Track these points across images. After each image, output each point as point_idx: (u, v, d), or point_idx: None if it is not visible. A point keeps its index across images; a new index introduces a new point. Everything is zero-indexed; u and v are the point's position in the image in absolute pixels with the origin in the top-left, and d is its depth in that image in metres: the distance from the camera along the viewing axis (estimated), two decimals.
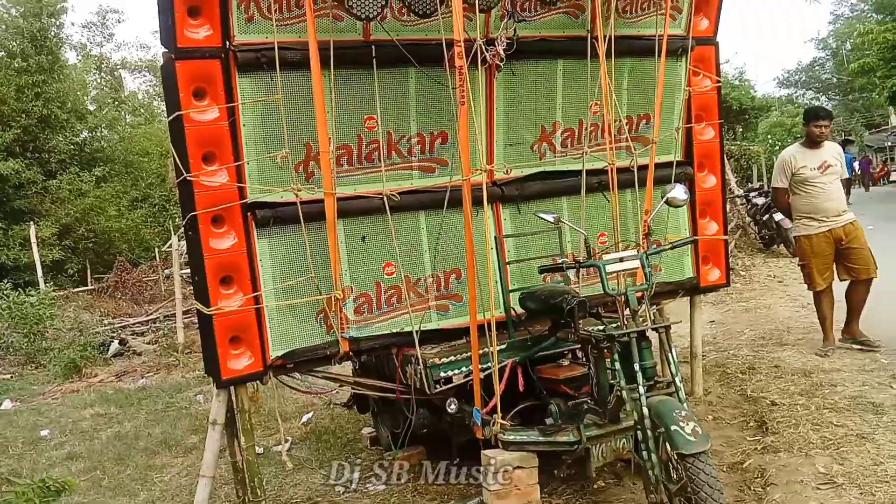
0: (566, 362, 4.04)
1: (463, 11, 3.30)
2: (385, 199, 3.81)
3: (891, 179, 30.94)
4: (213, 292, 3.56)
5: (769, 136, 30.23)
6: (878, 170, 32.51)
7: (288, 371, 3.93)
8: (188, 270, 9.25)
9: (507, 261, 4.24)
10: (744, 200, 13.47)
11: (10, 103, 18.07)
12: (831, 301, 5.74)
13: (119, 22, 31.69)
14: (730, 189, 12.54)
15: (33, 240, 14.31)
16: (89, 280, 17.25)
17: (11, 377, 9.54)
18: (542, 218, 3.90)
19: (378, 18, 3.49)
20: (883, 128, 36.73)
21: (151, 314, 12.86)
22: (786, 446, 3.97)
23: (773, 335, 6.55)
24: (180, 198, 3.68)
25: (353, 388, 4.64)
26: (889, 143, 35.68)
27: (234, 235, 3.60)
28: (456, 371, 3.86)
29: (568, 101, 4.36)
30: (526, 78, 4.21)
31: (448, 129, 4.02)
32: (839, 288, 5.73)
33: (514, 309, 4.17)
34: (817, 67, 46.43)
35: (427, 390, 3.85)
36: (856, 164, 25.93)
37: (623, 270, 3.47)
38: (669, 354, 3.31)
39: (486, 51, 3.69)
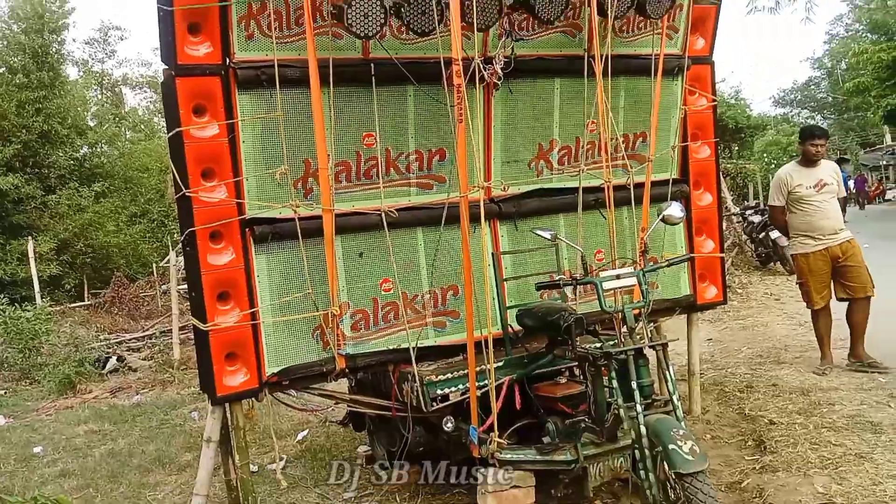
0: (563, 380, 4.03)
1: (461, 30, 3.33)
2: (383, 215, 3.82)
3: (886, 198, 31.08)
4: (210, 308, 3.55)
5: (765, 155, 30.31)
6: (873, 188, 32.65)
7: (284, 388, 3.91)
8: (185, 286, 9.24)
9: (504, 277, 4.24)
10: (740, 218, 13.52)
11: (10, 119, 18.12)
12: (829, 319, 5.74)
13: (121, 39, 31.77)
14: (726, 207, 12.60)
15: (31, 255, 14.28)
16: (86, 295, 17.20)
17: (5, 393, 9.49)
18: (539, 235, 3.91)
19: (377, 37, 3.52)
20: (878, 147, 36.92)
21: (148, 330, 12.81)
22: (784, 466, 3.95)
23: (770, 353, 6.54)
24: (179, 213, 3.69)
25: (349, 406, 4.62)
26: (884, 162, 35.86)
27: (232, 251, 3.60)
28: (453, 388, 3.85)
29: (565, 119, 4.38)
30: (523, 96, 4.24)
31: (446, 147, 4.04)
32: (839, 306, 5.72)
33: (511, 326, 4.16)
34: (813, 86, 46.76)
35: (424, 408, 3.84)
36: (851, 183, 26.06)
37: (620, 288, 3.47)
38: (667, 372, 3.31)
39: (484, 69, 3.72)
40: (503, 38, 3.94)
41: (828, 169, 5.76)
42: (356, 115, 3.83)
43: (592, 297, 4.06)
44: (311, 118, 3.56)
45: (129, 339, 12.17)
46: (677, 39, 4.56)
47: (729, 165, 21.08)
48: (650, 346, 3.32)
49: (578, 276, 3.58)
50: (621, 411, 3.24)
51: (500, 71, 3.86)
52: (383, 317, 4.01)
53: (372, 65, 3.76)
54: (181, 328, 10.22)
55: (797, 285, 6.03)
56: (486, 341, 3.51)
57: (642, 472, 3.11)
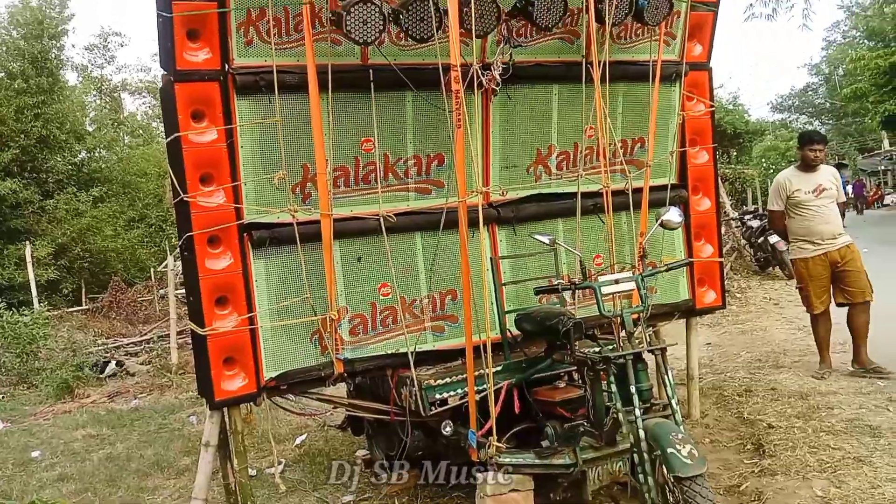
0: (562, 384, 4.03)
1: (460, 37, 3.34)
2: (381, 220, 3.82)
3: (884, 203, 31.15)
4: (208, 313, 3.56)
5: (763, 160, 30.42)
6: (871, 193, 32.73)
7: (282, 392, 3.91)
8: (183, 291, 9.23)
9: (502, 282, 4.25)
10: (739, 223, 13.54)
11: (9, 124, 18.13)
12: (828, 324, 5.75)
13: (121, 46, 31.76)
14: (725, 212, 12.62)
15: (29, 259, 14.28)
16: (84, 300, 17.19)
17: (3, 398, 9.46)
18: (537, 240, 3.92)
19: (376, 43, 3.53)
20: (876, 152, 37.05)
21: (146, 334, 12.80)
22: (783, 469, 3.96)
23: (769, 357, 6.55)
24: (177, 218, 3.69)
25: (347, 410, 4.62)
26: (882, 167, 35.97)
27: (230, 256, 3.60)
28: (451, 393, 3.85)
29: (563, 124, 4.39)
30: (522, 102, 4.25)
31: (444, 152, 4.05)
32: (838, 311, 5.72)
33: (509, 330, 4.16)
34: (810, 92, 46.91)
35: (422, 412, 3.84)
36: (849, 188, 26.12)
37: (618, 292, 3.48)
38: (666, 377, 3.31)
39: (483, 75, 3.73)
40: (501, 45, 3.95)
41: (827, 174, 5.77)
42: (355, 120, 3.83)
43: (591, 301, 4.06)
44: (309, 123, 3.57)
45: (127, 344, 12.15)
46: (675, 46, 4.58)
47: (727, 170, 21.14)
48: (649, 351, 3.33)
49: (577, 280, 3.59)
50: (620, 415, 3.25)
51: (498, 77, 3.87)
52: (382, 321, 4.02)
53: (370, 71, 3.77)
54: (179, 333, 10.21)
55: (797, 290, 6.03)
56: (485, 346, 3.51)
57: (641, 476, 3.11)
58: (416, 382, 3.83)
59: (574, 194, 4.20)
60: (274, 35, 3.55)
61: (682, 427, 3.14)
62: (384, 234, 3.82)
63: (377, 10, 3.39)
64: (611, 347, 3.44)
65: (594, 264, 4.48)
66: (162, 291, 15.33)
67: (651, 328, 4.69)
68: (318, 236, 3.68)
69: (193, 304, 3.63)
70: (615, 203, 4.07)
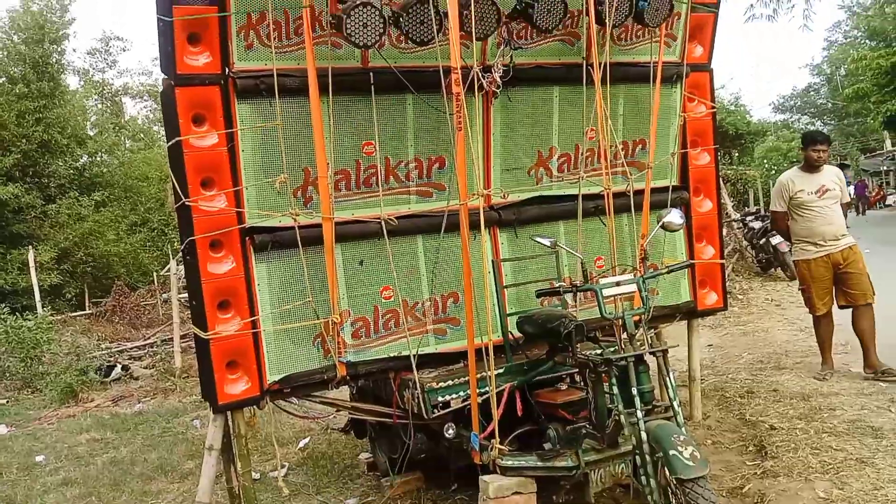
0: (564, 387, 4.03)
1: (460, 39, 3.35)
2: (383, 223, 3.83)
3: (887, 203, 31.10)
4: (211, 317, 3.56)
5: (765, 161, 30.38)
6: (874, 194, 32.69)
7: (285, 396, 3.92)
8: (186, 295, 9.24)
9: (504, 285, 4.25)
10: (741, 224, 13.53)
11: (10, 128, 18.16)
12: (831, 325, 5.73)
13: (124, 51, 31.77)
14: (726, 213, 12.61)
15: (31, 264, 14.30)
16: (87, 304, 17.20)
17: (7, 402, 9.49)
18: (539, 242, 3.92)
19: (376, 46, 3.54)
20: (878, 152, 37.00)
21: (149, 338, 12.82)
22: (785, 471, 3.95)
23: (771, 359, 6.55)
24: (179, 222, 3.70)
25: (350, 413, 4.63)
26: (884, 168, 35.92)
27: (233, 260, 3.61)
28: (454, 395, 3.85)
29: (564, 126, 4.40)
30: (522, 104, 4.25)
31: (445, 155, 4.06)
32: (841, 312, 5.70)
33: (511, 333, 4.17)
34: (812, 93, 46.87)
35: (425, 415, 3.84)
36: (851, 188, 26.07)
37: (620, 294, 3.48)
38: (667, 378, 3.31)
39: (483, 78, 3.73)
40: (502, 47, 3.95)
41: (830, 174, 5.73)
42: (355, 123, 3.84)
43: (593, 303, 4.07)
44: (310, 127, 3.58)
45: (131, 348, 12.17)
46: (676, 47, 4.58)
47: (729, 171, 21.11)
48: (650, 353, 3.32)
49: (578, 282, 3.59)
50: (622, 417, 3.25)
51: (498, 79, 3.87)
52: (384, 324, 4.02)
53: (371, 74, 3.78)
54: (182, 336, 10.23)
55: (799, 291, 6.01)
56: (487, 348, 3.52)
57: (643, 478, 3.11)
58: (418, 385, 3.83)
59: (575, 196, 4.21)
60: (274, 39, 3.56)
61: (683, 429, 3.14)
62: (386, 237, 3.82)
63: (377, 13, 3.40)
64: (612, 349, 3.44)
65: (595, 266, 4.47)
66: (165, 295, 15.34)
67: (652, 330, 4.68)
68: (319, 240, 3.69)
69: (196, 308, 3.64)
70: (616, 205, 4.07)
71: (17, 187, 17.69)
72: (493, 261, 4.23)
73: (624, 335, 3.35)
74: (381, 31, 3.44)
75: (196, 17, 3.40)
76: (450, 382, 3.87)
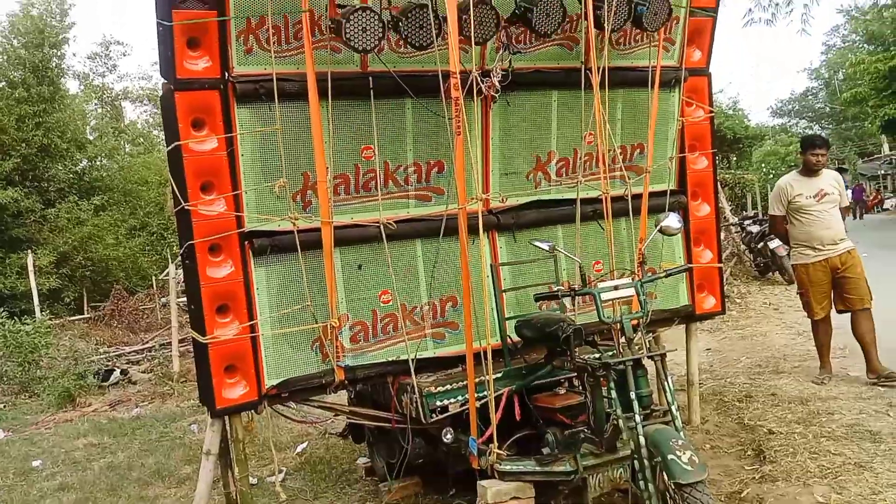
0: (562, 391, 4.04)
1: (459, 44, 3.36)
2: (382, 227, 3.83)
3: (884, 207, 31.15)
4: (209, 321, 3.56)
5: (763, 165, 30.43)
6: (871, 198, 32.75)
7: (283, 400, 3.91)
8: (185, 299, 9.23)
9: (502, 289, 4.26)
10: (738, 228, 13.55)
11: (10, 133, 18.17)
12: (829, 329, 5.73)
13: (124, 55, 31.76)
14: (724, 217, 12.62)
15: (30, 268, 14.29)
16: (86, 308, 17.19)
17: (4, 406, 9.47)
18: (537, 246, 3.93)
19: (375, 50, 3.55)
20: (876, 156, 37.07)
21: (147, 343, 12.81)
22: (784, 475, 3.95)
23: (769, 363, 6.55)
24: (178, 227, 3.70)
25: (348, 418, 4.62)
26: (882, 172, 35.98)
27: (231, 264, 3.61)
28: (452, 400, 3.85)
29: (563, 131, 4.41)
30: (521, 108, 4.26)
31: (444, 159, 4.06)
32: (840, 316, 5.70)
33: (510, 337, 4.17)
34: (810, 97, 46.98)
35: (423, 419, 3.84)
36: (848, 192, 26.10)
37: (618, 298, 3.48)
38: (666, 383, 3.31)
39: (482, 82, 3.74)
40: (501, 52, 3.97)
41: (829, 178, 5.72)
42: (355, 127, 3.85)
43: (591, 307, 4.07)
44: (309, 131, 3.58)
45: (129, 352, 12.16)
46: (674, 51, 4.59)
47: (727, 176, 21.15)
48: (649, 357, 3.32)
49: (577, 286, 3.59)
50: (620, 422, 3.25)
51: (497, 84, 3.89)
52: (382, 328, 4.02)
53: (370, 78, 3.78)
54: (181, 341, 10.22)
55: (797, 295, 6.02)
56: (485, 352, 3.52)
57: (642, 483, 3.11)
58: (416, 389, 3.83)
59: (573, 200, 4.21)
60: (274, 43, 3.57)
61: (682, 433, 3.14)
62: (384, 241, 3.83)
63: (376, 17, 3.41)
64: (611, 353, 3.44)
65: (594, 270, 4.48)
66: (163, 300, 15.33)
67: (651, 334, 4.71)
68: (318, 244, 3.69)
69: (195, 313, 3.63)
70: (615, 209, 4.08)
71: (16, 191, 17.69)
72: (491, 265, 4.24)
73: (622, 339, 3.35)
74: (381, 35, 3.45)
75: (196, 22, 3.40)
76: (448, 387, 3.87)
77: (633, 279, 3.52)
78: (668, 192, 4.62)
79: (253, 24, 3.53)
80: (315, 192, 3.73)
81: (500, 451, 3.58)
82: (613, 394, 3.27)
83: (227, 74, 3.54)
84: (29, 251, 15.52)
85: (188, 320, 4.03)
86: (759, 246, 12.06)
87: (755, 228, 12.47)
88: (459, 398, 3.84)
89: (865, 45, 28.65)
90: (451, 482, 4.32)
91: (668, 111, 4.64)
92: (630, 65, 4.45)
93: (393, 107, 3.93)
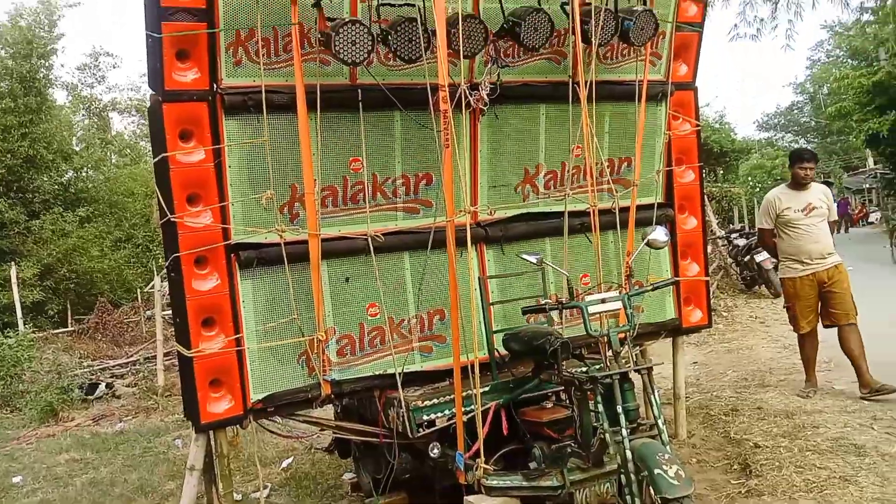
0: (550, 404, 4.02)
1: (448, 57, 3.37)
2: (369, 240, 3.82)
3: (869, 221, 31.45)
4: (195, 334, 3.53)
5: (750, 178, 30.65)
6: (857, 211, 33.06)
7: (268, 415, 3.88)
8: (170, 312, 9.15)
9: (490, 302, 4.25)
10: (725, 242, 13.63)
11: None
12: (815, 343, 5.75)
13: (114, 67, 31.58)
14: (711, 230, 12.71)
15: (14, 280, 14.14)
16: (70, 321, 17.00)
17: None
18: (525, 259, 3.93)
19: (364, 63, 3.55)
20: (861, 170, 37.45)
21: (132, 356, 12.68)
22: (769, 489, 3.95)
23: (755, 376, 6.57)
24: (164, 239, 3.68)
25: (334, 432, 4.59)
26: (867, 185, 36.34)
27: (217, 277, 3.58)
28: (439, 414, 3.83)
29: (551, 144, 4.42)
30: (509, 121, 4.28)
31: (433, 171, 4.07)
32: (826, 330, 5.73)
33: (497, 350, 4.15)
34: (796, 111, 47.46)
35: (410, 434, 3.81)
36: (834, 206, 26.32)
37: (605, 311, 3.48)
38: (652, 396, 3.31)
39: (471, 95, 3.76)
40: (489, 65, 3.98)
41: (817, 192, 5.74)
42: (343, 140, 3.85)
43: (578, 321, 4.07)
44: (297, 143, 3.58)
45: (113, 366, 12.03)
46: (660, 66, 4.63)
47: (714, 189, 21.29)
48: (635, 370, 3.32)
49: (564, 300, 3.59)
50: (607, 436, 3.24)
51: (486, 97, 3.90)
52: (369, 342, 4.00)
53: (359, 90, 3.79)
54: (166, 354, 10.13)
55: (784, 309, 6.04)
56: (473, 366, 3.50)
57: (628, 497, 3.09)
58: (403, 404, 3.81)
59: (561, 213, 4.22)
60: (263, 55, 3.57)
61: (668, 447, 3.13)
62: (372, 253, 3.81)
63: (366, 30, 3.42)
64: (598, 367, 3.43)
65: (581, 283, 4.48)
66: (148, 312, 15.19)
67: (638, 347, 4.70)
68: (305, 256, 3.67)
69: (180, 326, 3.60)
70: (602, 222, 4.09)
71: (0, 202, 17.53)
72: (479, 278, 4.23)
73: (609, 352, 3.35)
74: (370, 48, 3.45)
75: (185, 34, 3.40)
76: (435, 401, 3.85)
77: (620, 292, 3.52)
78: (656, 205, 4.64)
79: (242, 36, 3.53)
80: (302, 204, 3.71)
81: (487, 466, 3.56)
82: (600, 407, 3.27)
83: (215, 86, 3.54)
84: (12, 263, 15.36)
85: (173, 333, 3.99)
86: (745, 259, 12.14)
87: (742, 242, 12.55)
88: (446, 412, 3.82)
89: (849, 60, 29.03)
90: (437, 497, 4.28)
91: (655, 125, 4.67)
92: (617, 79, 4.48)
93: (381, 119, 3.93)
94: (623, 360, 3.31)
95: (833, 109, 24.85)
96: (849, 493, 3.73)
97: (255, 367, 3.70)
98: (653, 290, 3.81)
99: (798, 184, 5.74)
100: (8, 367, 10.24)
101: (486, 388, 3.86)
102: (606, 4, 3.85)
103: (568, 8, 3.80)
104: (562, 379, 3.62)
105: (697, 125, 4.90)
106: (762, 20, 10.90)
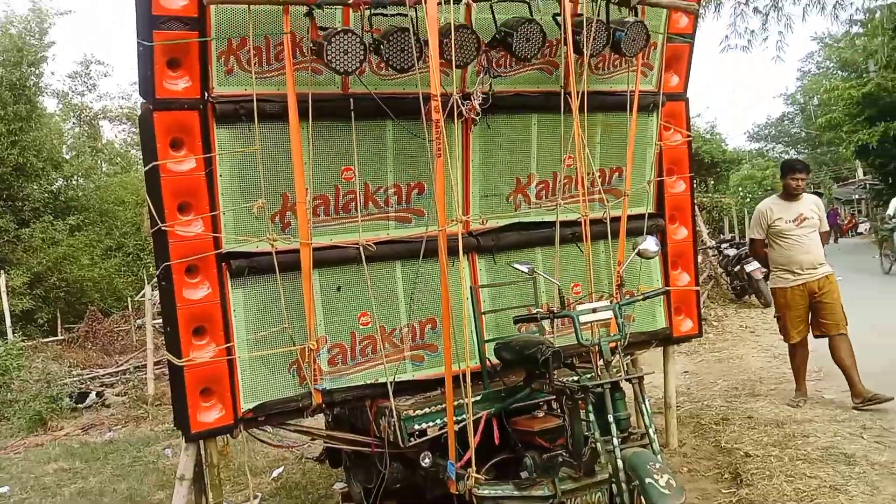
0: (541, 414, 4.02)
1: (440, 67, 3.38)
2: (361, 249, 3.82)
3: (858, 231, 31.65)
4: (185, 343, 3.52)
5: (740, 189, 30.85)
6: (846, 222, 33.26)
7: (259, 424, 3.86)
8: (160, 320, 9.11)
9: (482, 311, 4.25)
10: (716, 252, 13.68)
11: None
12: (805, 353, 5.77)
13: (106, 76, 31.39)
14: (702, 240, 12.75)
15: (3, 289, 14.03)
16: (59, 330, 16.89)
17: None
18: (517, 269, 3.93)
19: (356, 72, 3.56)
20: (850, 181, 37.69)
21: (122, 365, 12.60)
22: (760, 499, 3.96)
23: (745, 386, 6.58)
24: (154, 247, 3.67)
25: (325, 442, 4.57)
26: (856, 196, 36.58)
27: (208, 286, 3.57)
28: (430, 423, 3.82)
29: (542, 153, 4.44)
30: (501, 131, 4.29)
31: (425, 181, 4.07)
32: (817, 339, 5.75)
33: (489, 360, 4.15)
34: (786, 122, 47.79)
35: (401, 443, 3.80)
36: (825, 216, 26.47)
37: (596, 321, 3.49)
38: (643, 405, 3.31)
39: (463, 105, 3.77)
40: (481, 75, 4.00)
41: (809, 203, 5.76)
42: (335, 149, 3.85)
43: (570, 330, 4.07)
44: (289, 152, 3.57)
45: (103, 375, 11.95)
46: (652, 77, 4.66)
47: (705, 199, 21.39)
48: (627, 380, 3.32)
49: (556, 309, 3.59)
50: (598, 445, 3.24)
51: (478, 107, 3.91)
52: (361, 351, 3.99)
53: (351, 100, 3.79)
54: (156, 363, 10.06)
55: (775, 319, 6.06)
56: (464, 375, 3.50)
57: None
58: (395, 413, 3.80)
59: (553, 223, 4.24)
60: (254, 64, 3.57)
61: (659, 456, 3.13)
62: (364, 262, 3.81)
63: (358, 40, 3.42)
64: (589, 376, 3.43)
65: (573, 293, 4.49)
66: (139, 321, 15.12)
67: (629, 357, 4.71)
68: (297, 265, 3.66)
69: (170, 335, 3.59)
70: (593, 232, 4.10)
71: None
72: (471, 287, 4.23)
73: (600, 362, 3.36)
74: (362, 57, 3.46)
75: (176, 43, 3.40)
76: (426, 410, 3.85)
77: (611, 302, 3.53)
78: (647, 215, 4.66)
79: (234, 45, 3.53)
80: (294, 212, 3.71)
81: (479, 476, 3.55)
82: (592, 417, 3.27)
83: (206, 95, 3.54)
84: (1, 272, 15.24)
85: (164, 342, 3.96)
86: (735, 269, 12.18)
87: (732, 252, 12.60)
88: (438, 421, 3.81)
89: (839, 71, 29.30)
90: None
91: (647, 135, 4.70)
92: (609, 89, 4.50)
93: (373, 128, 3.94)
94: (614, 370, 3.32)
95: (823, 120, 25.08)
96: (838, 502, 3.74)
97: (246, 377, 3.69)
98: (643, 299, 3.82)
99: (790, 194, 5.77)
100: None
101: (478, 398, 3.86)
102: (598, 16, 3.88)
103: (560, 19, 3.82)
104: (553, 388, 3.62)
105: (688, 136, 4.93)
106: (753, 32, 11.01)
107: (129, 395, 10.14)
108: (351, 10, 3.54)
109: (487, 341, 4.18)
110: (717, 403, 6.05)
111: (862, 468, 4.14)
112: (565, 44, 3.88)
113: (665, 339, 5.00)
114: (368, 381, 3.98)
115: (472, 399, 3.57)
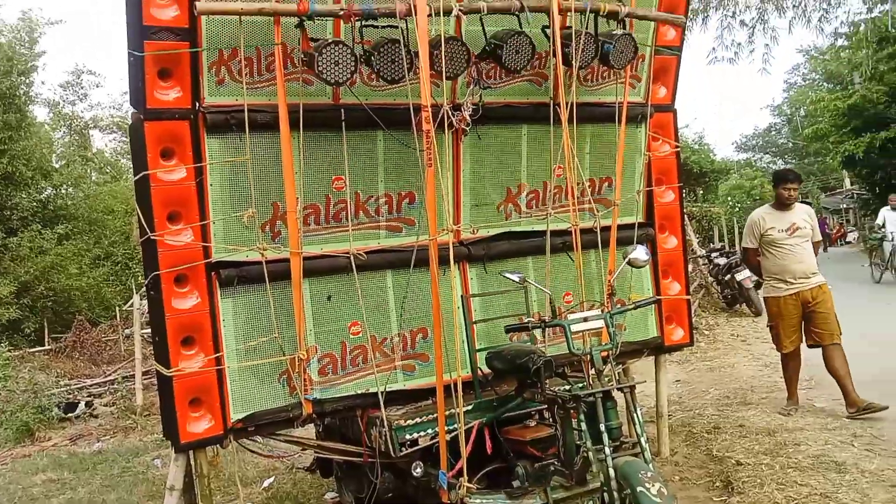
0: (533, 423, 4.02)
1: (430, 78, 3.40)
2: (352, 258, 3.82)
3: (847, 240, 31.87)
4: (174, 353, 3.50)
5: (729, 198, 30.99)
6: (835, 231, 33.49)
7: (249, 434, 3.84)
8: (149, 330, 9.06)
9: (473, 320, 4.25)
10: (706, 260, 13.74)
11: None
12: (798, 363, 5.79)
13: (97, 86, 31.27)
14: (692, 249, 12.81)
15: None
16: (47, 340, 16.76)
17: None
18: (507, 278, 3.94)
19: (347, 83, 3.57)
20: (838, 190, 38.00)
21: (110, 375, 12.50)
22: None
23: (737, 394, 6.60)
24: (144, 256, 3.66)
25: (316, 452, 4.55)
26: (844, 206, 36.86)
27: (198, 295, 3.56)
28: (422, 433, 3.82)
29: (532, 164, 4.46)
30: (492, 142, 4.31)
31: (415, 190, 4.08)
32: (810, 349, 5.77)
33: (480, 369, 4.15)
34: (773, 132, 48.11)
35: (392, 453, 3.79)
36: (817, 226, 26.62)
37: (588, 330, 3.50)
38: (635, 414, 3.32)
39: (453, 116, 3.79)
40: (471, 86, 4.01)
41: (801, 212, 5.81)
42: (326, 158, 3.85)
43: (561, 339, 4.08)
44: (280, 162, 3.58)
45: (91, 385, 11.85)
46: (640, 88, 4.69)
47: (694, 209, 21.49)
48: (618, 389, 3.33)
49: (547, 318, 3.60)
50: (590, 454, 3.24)
51: (468, 117, 3.93)
52: (352, 360, 3.98)
53: (342, 110, 3.80)
54: (145, 373, 10.00)
55: (767, 328, 6.08)
56: (456, 384, 3.50)
57: None
58: (386, 423, 3.79)
59: (543, 232, 4.25)
60: (246, 74, 3.57)
61: (651, 465, 3.14)
62: (354, 272, 3.81)
63: (349, 51, 3.44)
64: (580, 385, 3.44)
65: (564, 302, 4.50)
66: (127, 331, 15.01)
67: (620, 366, 4.72)
68: (287, 275, 3.66)
69: (159, 345, 3.57)
70: (584, 241, 4.11)
71: None
72: (462, 296, 4.24)
73: (592, 371, 3.36)
74: (353, 68, 3.47)
75: (167, 53, 3.40)
76: (418, 420, 3.84)
77: (602, 311, 3.54)
78: (637, 224, 4.68)
79: (225, 55, 3.54)
80: (284, 222, 3.71)
81: (470, 485, 3.55)
82: (583, 426, 3.27)
83: (197, 105, 3.54)
84: None
85: (152, 352, 3.95)
86: (726, 278, 12.24)
87: (722, 260, 12.65)
88: (429, 431, 3.81)
89: (825, 83, 29.56)
90: None
91: (635, 146, 4.73)
92: (598, 101, 4.53)
93: (364, 138, 3.94)
94: (606, 379, 3.33)
95: (810, 131, 25.28)
96: None
97: (236, 387, 3.67)
98: (635, 308, 3.84)
99: (782, 204, 5.82)
100: None
101: (469, 407, 3.85)
102: (587, 28, 3.91)
103: (549, 31, 3.85)
104: (545, 397, 3.63)
105: (677, 146, 4.97)
106: (739, 44, 11.15)
107: (117, 405, 10.05)
108: (342, 22, 3.55)
109: (479, 350, 4.18)
110: (709, 412, 6.06)
111: (853, 476, 4.16)
112: (554, 56, 3.91)
113: (656, 348, 5.01)
114: (359, 391, 3.97)
115: (464, 408, 3.57)
